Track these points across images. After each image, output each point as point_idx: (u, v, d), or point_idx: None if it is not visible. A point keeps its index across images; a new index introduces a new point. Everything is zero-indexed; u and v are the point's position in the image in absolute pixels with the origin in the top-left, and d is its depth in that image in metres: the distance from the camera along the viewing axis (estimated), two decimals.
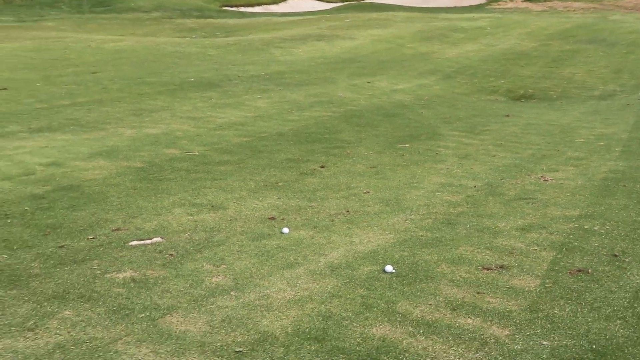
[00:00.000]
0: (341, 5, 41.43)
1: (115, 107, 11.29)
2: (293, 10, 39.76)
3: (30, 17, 29.40)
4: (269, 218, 5.64)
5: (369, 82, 14.58)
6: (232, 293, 4.03)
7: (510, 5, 39.98)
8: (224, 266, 4.49)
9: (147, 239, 5.10)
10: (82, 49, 19.15)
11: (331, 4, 42.92)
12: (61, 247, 4.97)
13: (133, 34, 24.49)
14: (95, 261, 4.66)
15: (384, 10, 35.04)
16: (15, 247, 4.96)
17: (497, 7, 38.87)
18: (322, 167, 7.59)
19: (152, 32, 25.57)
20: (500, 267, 4.45)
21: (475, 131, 10.04)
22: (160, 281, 4.23)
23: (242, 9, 40.25)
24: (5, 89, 12.75)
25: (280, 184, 6.82)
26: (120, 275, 4.35)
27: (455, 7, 40.16)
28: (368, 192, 6.48)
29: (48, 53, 18.10)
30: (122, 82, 13.85)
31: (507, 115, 11.81)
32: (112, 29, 26.54)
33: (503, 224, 5.42)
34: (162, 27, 27.82)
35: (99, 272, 4.43)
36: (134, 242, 5.04)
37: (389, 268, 4.39)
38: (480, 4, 41.38)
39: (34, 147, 8.36)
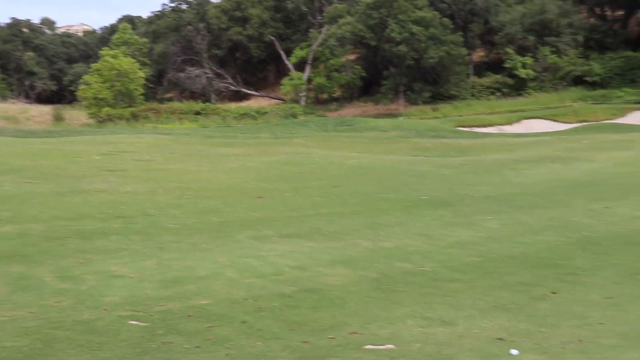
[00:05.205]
0: (579, 126, 40.21)
1: (354, 219, 12.23)
2: (527, 131, 39.51)
3: (284, 135, 33.20)
4: (498, 338, 5.74)
5: (608, 208, 13.92)
6: None
7: None
8: None
9: (380, 345, 5.52)
10: (326, 164, 21.03)
11: (568, 124, 41.88)
12: (305, 342, 5.59)
13: (371, 152, 26.28)
14: (334, 359, 5.18)
15: (626, 131, 33.33)
16: (267, 337, 5.70)
17: None
18: (554, 293, 7.47)
19: (389, 150, 27.21)
20: None
21: None
22: None
23: (476, 130, 41.03)
24: (261, 197, 14.51)
25: (510, 306, 6.87)
26: None
27: None
28: (603, 324, 6.25)
29: (297, 167, 20.20)
30: (361, 196, 14.96)
31: None
32: (353, 146, 28.77)
33: None
34: (398, 145, 29.48)
35: None
36: (369, 346, 5.48)
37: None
38: None
39: (284, 250, 9.42)
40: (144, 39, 71.17)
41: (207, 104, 59.10)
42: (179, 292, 7.07)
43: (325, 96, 62.96)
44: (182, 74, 66.40)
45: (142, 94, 56.71)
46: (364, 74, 60.36)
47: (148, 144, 26.18)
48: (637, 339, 5.77)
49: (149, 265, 8.29)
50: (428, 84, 55.24)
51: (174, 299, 6.80)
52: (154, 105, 57.63)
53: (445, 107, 51.64)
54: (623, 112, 43.90)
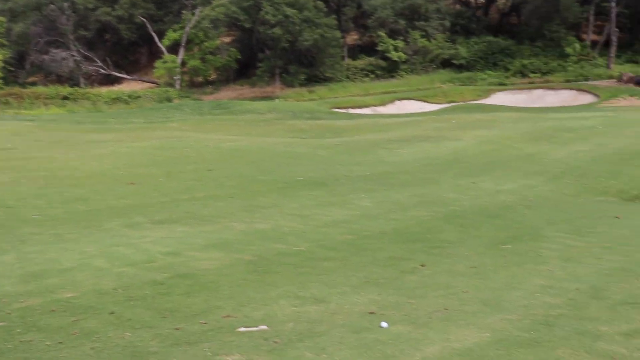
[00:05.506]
0: (447, 107, 42.15)
1: (229, 202, 12.09)
2: (400, 112, 40.86)
3: (158, 119, 32.16)
4: (369, 312, 5.87)
5: (474, 183, 14.71)
6: None
7: (624, 103, 39.05)
8: (325, 355, 4.75)
9: (254, 327, 5.47)
10: (201, 147, 20.63)
11: (438, 105, 43.77)
12: (177, 329, 5.43)
13: (248, 134, 26.08)
14: (207, 344, 5.07)
15: (490, 111, 35.30)
16: (137, 327, 5.48)
17: (610, 105, 38.11)
18: (423, 265, 7.77)
19: (265, 133, 27.13)
20: None
21: (581, 233, 9.87)
22: None
23: (351, 111, 41.86)
24: (133, 183, 13.98)
25: (381, 280, 7.06)
26: (229, 358, 4.72)
27: (564, 106, 39.79)
28: (467, 292, 6.57)
29: (171, 151, 19.66)
30: (237, 179, 14.81)
31: (618, 217, 11.50)
32: (229, 129, 28.41)
33: (605, 328, 5.33)
34: (274, 127, 29.46)
35: (209, 354, 4.83)
36: (242, 329, 5.42)
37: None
38: (592, 103, 40.74)
39: (156, 237, 9.12)
40: (1, 18, 66.06)
41: (76, 88, 55.93)
42: (41, 287, 6.66)
43: (200, 79, 61.58)
44: (46, 57, 62.32)
45: (0, 78, 52.71)
46: (239, 57, 59.61)
47: (9, 132, 24.45)
48: (497, 304, 6.11)
49: (7, 260, 7.75)
50: (303, 66, 55.56)
51: (35, 295, 6.38)
52: (15, 89, 53.69)
53: (320, 89, 52.18)
54: (487, 93, 46.54)
